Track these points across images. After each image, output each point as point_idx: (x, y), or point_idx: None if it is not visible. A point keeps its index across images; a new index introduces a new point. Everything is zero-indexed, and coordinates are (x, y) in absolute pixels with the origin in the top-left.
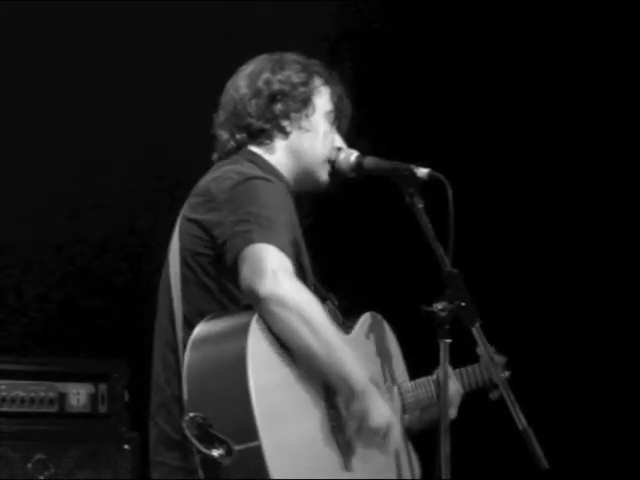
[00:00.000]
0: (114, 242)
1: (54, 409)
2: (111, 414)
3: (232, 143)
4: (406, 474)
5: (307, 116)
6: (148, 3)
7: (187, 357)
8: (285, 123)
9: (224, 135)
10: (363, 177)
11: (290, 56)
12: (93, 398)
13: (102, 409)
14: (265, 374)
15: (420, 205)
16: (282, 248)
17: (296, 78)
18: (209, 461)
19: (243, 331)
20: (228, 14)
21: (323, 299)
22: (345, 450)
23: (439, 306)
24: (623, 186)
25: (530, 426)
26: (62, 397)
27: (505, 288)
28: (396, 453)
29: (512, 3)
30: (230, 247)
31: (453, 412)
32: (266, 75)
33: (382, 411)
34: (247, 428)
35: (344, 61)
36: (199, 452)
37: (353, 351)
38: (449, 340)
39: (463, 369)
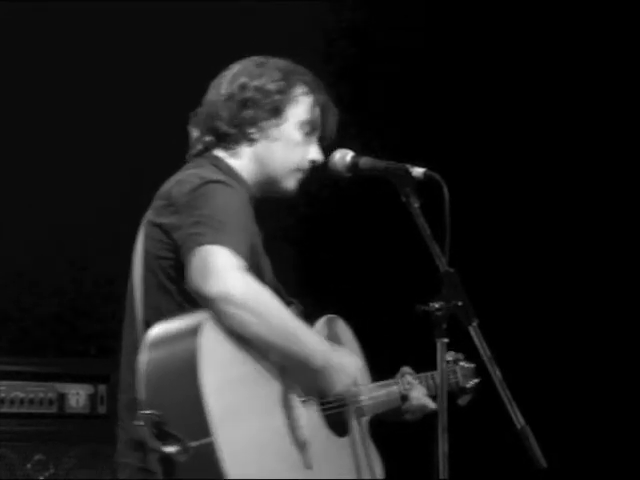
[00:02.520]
0: None
1: (54, 410)
2: (111, 414)
3: (199, 145)
4: (366, 474)
5: (277, 125)
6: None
7: (142, 358)
8: (252, 130)
9: (194, 134)
10: (359, 177)
11: (274, 62)
12: (92, 399)
13: (101, 410)
14: (218, 372)
15: (416, 204)
16: (233, 249)
17: (272, 85)
18: (167, 460)
19: (195, 331)
20: (229, 16)
21: (287, 303)
22: (303, 449)
23: (436, 305)
24: (617, 185)
25: (527, 425)
26: (62, 398)
27: (502, 287)
28: (356, 453)
29: (510, 5)
30: (183, 250)
31: (412, 417)
32: (243, 79)
33: (347, 375)
34: (200, 425)
35: (340, 63)
36: (154, 450)
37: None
38: (446, 339)
39: (428, 374)
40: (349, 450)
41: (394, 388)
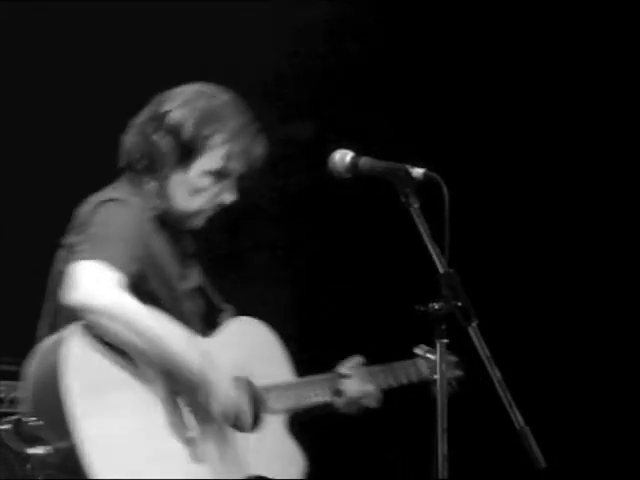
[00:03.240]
0: None
1: None
2: None
3: (121, 161)
4: (274, 470)
5: (180, 171)
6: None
7: (26, 373)
8: (156, 169)
9: (122, 147)
10: (358, 178)
11: (203, 102)
12: None
13: None
14: (81, 377)
15: (416, 205)
16: (108, 262)
17: (187, 132)
18: (43, 462)
19: (60, 341)
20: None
21: (219, 309)
22: (193, 444)
23: (435, 306)
24: (620, 185)
25: (527, 425)
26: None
27: (501, 287)
28: (261, 448)
29: (509, 3)
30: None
31: (349, 410)
32: (163, 115)
33: (225, 399)
34: (66, 427)
35: (337, 60)
36: (18, 453)
37: (209, 352)
38: (446, 340)
39: (388, 365)
40: (254, 445)
41: (325, 383)
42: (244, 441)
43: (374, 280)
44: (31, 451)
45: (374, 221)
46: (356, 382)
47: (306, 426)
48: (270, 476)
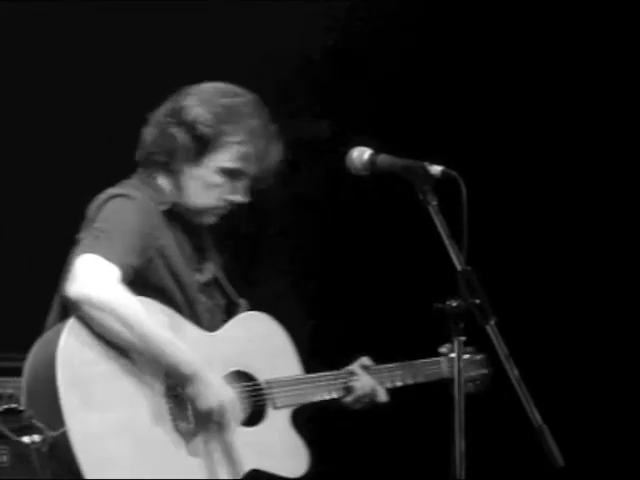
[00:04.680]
0: None
1: None
2: None
3: (137, 155)
4: (275, 465)
5: (194, 165)
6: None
7: (25, 365)
8: (171, 162)
9: (141, 140)
10: (376, 175)
11: (222, 100)
12: None
13: None
14: (75, 369)
15: (434, 203)
16: (107, 256)
17: (203, 128)
18: (37, 451)
19: (58, 332)
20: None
21: (234, 304)
22: (188, 436)
23: (453, 304)
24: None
25: (545, 424)
26: None
27: (520, 285)
28: (259, 444)
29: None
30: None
31: (360, 406)
32: (180, 106)
33: (214, 393)
34: (57, 416)
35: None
36: (14, 441)
37: (210, 347)
38: (463, 338)
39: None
40: (254, 439)
41: (334, 380)
42: (241, 435)
43: (391, 277)
44: (28, 440)
45: (392, 218)
46: (365, 379)
47: (324, 425)
48: (270, 471)
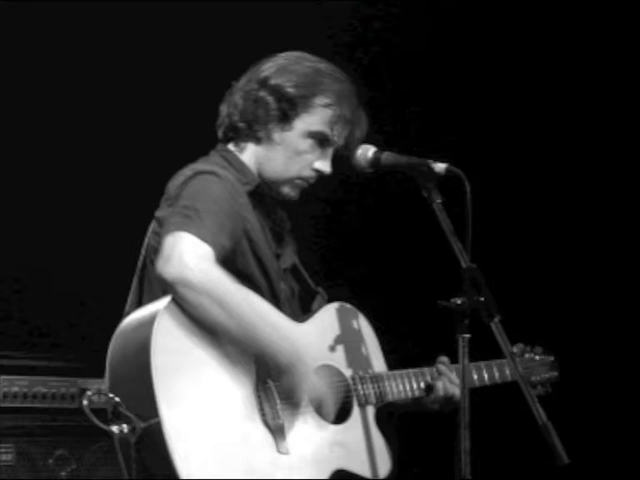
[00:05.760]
0: None
1: (75, 405)
2: None
3: (219, 130)
4: (361, 466)
5: (282, 130)
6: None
7: (109, 347)
8: (258, 128)
9: (221, 115)
10: (381, 172)
11: (308, 64)
12: None
13: None
14: (170, 356)
15: (438, 200)
16: (201, 236)
17: (289, 89)
18: (123, 440)
19: (152, 318)
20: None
21: (313, 293)
22: (277, 432)
23: (458, 301)
24: None
25: (549, 421)
26: (83, 393)
27: (525, 283)
28: (348, 440)
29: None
30: (160, 239)
31: (441, 408)
32: (265, 75)
33: (311, 388)
34: (150, 406)
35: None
36: (105, 431)
37: (302, 338)
38: (468, 335)
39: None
40: (341, 437)
41: (418, 377)
42: (330, 433)
43: (396, 275)
44: (117, 430)
45: (396, 216)
46: (448, 380)
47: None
48: (355, 472)
